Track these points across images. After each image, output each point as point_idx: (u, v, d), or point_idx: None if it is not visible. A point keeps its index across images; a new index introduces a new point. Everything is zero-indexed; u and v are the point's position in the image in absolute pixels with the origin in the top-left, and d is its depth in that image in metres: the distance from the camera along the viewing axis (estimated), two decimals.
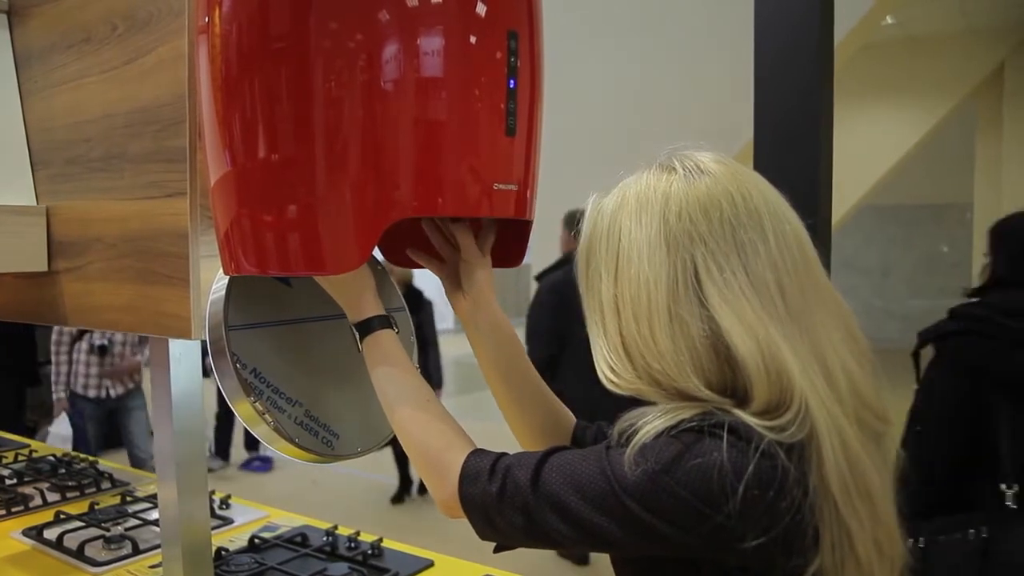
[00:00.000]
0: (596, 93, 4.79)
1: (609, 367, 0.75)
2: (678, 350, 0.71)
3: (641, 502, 0.68)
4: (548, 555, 3.63)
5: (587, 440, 0.96)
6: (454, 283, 0.96)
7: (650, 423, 0.71)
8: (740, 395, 0.71)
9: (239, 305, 0.92)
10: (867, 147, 6.91)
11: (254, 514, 1.74)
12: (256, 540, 1.54)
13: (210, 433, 5.33)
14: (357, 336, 0.87)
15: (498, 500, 0.74)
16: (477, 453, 0.79)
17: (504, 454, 0.78)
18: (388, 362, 0.86)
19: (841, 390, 0.72)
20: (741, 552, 0.68)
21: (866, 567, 0.71)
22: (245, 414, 0.92)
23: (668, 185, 0.75)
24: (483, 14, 0.76)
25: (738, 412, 0.70)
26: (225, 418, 5.32)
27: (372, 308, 0.88)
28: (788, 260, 0.73)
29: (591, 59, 4.87)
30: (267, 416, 0.91)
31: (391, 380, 0.86)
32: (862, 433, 0.73)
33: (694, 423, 0.69)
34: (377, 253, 0.97)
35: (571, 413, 1.00)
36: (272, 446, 0.95)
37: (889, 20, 6.64)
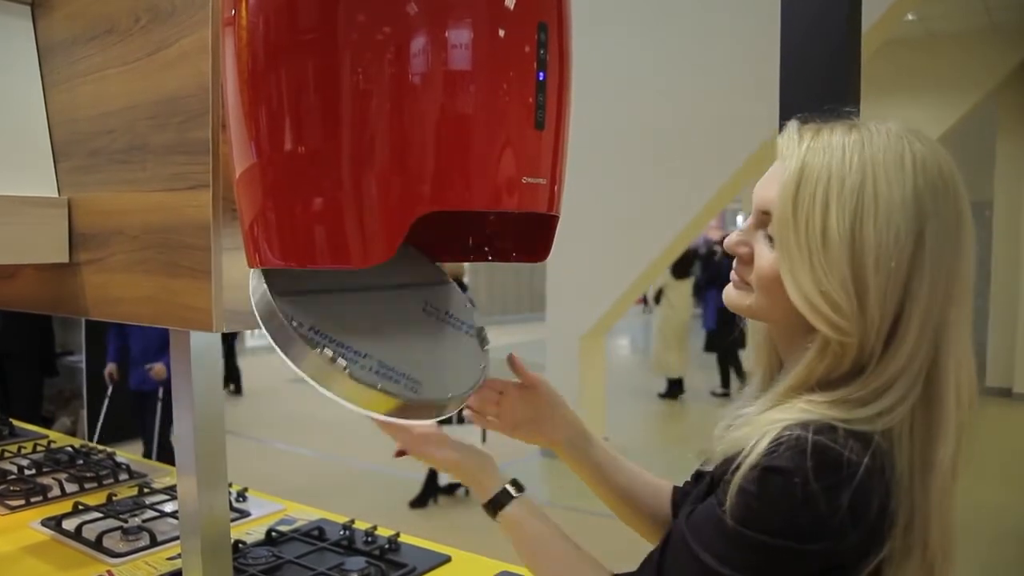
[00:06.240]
0: (606, 85, 4.74)
1: (823, 296, 0.73)
2: (897, 318, 0.73)
3: (736, 567, 0.71)
4: None
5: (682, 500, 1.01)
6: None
7: (743, 461, 0.73)
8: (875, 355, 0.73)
9: (283, 275, 0.84)
10: None
11: (271, 507, 1.74)
12: (273, 533, 1.54)
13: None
14: (490, 514, 0.94)
15: None
16: None
17: None
18: (524, 534, 0.91)
19: (963, 381, 0.75)
20: (840, 555, 0.71)
21: (929, 556, 0.74)
22: (314, 369, 0.81)
23: (912, 144, 0.76)
24: (513, 6, 0.75)
25: (835, 416, 0.71)
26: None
27: (494, 483, 0.94)
28: (972, 243, 0.76)
29: (601, 50, 4.82)
30: (340, 360, 0.80)
31: (529, 548, 0.91)
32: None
33: (784, 459, 0.70)
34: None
35: (666, 488, 1.06)
36: (351, 402, 0.82)
37: (910, 16, 6.58)
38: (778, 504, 0.68)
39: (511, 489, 0.94)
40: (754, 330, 0.91)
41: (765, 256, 0.79)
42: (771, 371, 0.88)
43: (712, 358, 8.36)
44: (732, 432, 0.78)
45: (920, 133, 0.78)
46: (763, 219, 0.80)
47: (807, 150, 0.76)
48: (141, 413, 4.09)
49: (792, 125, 0.80)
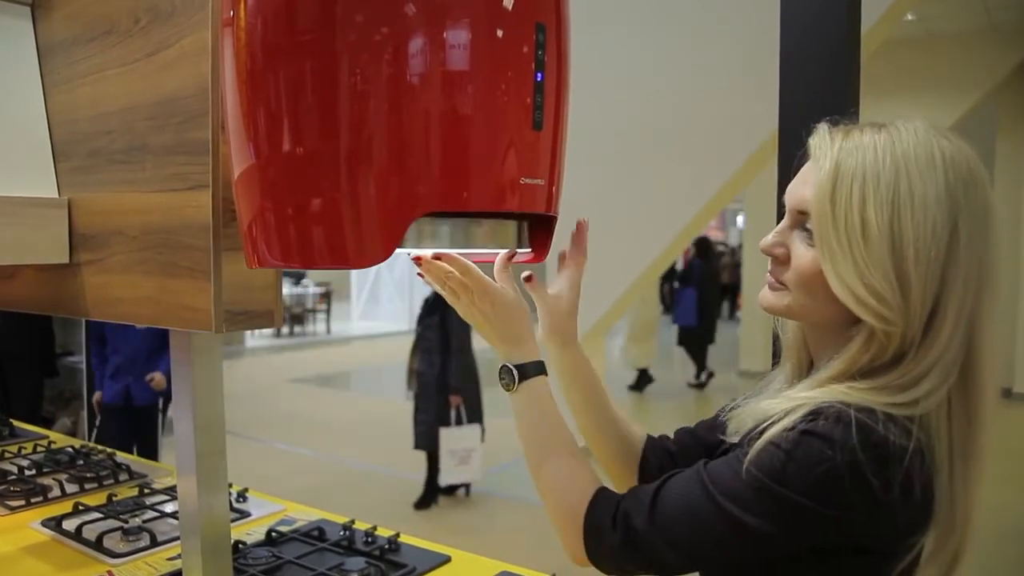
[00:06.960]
0: (605, 85, 4.74)
1: (867, 288, 0.75)
2: (934, 307, 0.75)
3: (755, 513, 0.72)
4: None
5: (656, 452, 1.02)
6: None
7: (773, 423, 0.75)
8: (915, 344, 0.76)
9: None
10: None
11: (271, 507, 1.74)
12: (273, 534, 1.54)
13: None
14: (515, 375, 0.90)
15: (623, 549, 0.79)
16: (596, 505, 0.83)
17: (621, 500, 0.82)
18: (539, 410, 0.91)
19: (995, 368, 0.78)
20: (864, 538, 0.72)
21: (960, 548, 0.76)
22: None
23: (940, 142, 0.77)
24: (511, 6, 0.75)
25: (874, 401, 0.73)
26: None
27: (532, 352, 0.92)
28: (999, 234, 0.78)
29: (600, 49, 4.81)
30: None
31: (538, 429, 0.90)
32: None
33: (826, 428, 0.71)
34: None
35: (638, 432, 1.05)
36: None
37: (910, 16, 6.58)
38: (810, 467, 0.70)
39: (545, 365, 0.93)
40: (784, 328, 0.92)
41: (804, 254, 0.80)
42: (799, 368, 0.90)
43: (681, 351, 8.83)
44: (764, 404, 0.80)
45: (944, 130, 0.79)
46: (799, 218, 0.82)
47: (840, 150, 0.78)
48: (133, 430, 3.93)
49: (823, 127, 0.82)
